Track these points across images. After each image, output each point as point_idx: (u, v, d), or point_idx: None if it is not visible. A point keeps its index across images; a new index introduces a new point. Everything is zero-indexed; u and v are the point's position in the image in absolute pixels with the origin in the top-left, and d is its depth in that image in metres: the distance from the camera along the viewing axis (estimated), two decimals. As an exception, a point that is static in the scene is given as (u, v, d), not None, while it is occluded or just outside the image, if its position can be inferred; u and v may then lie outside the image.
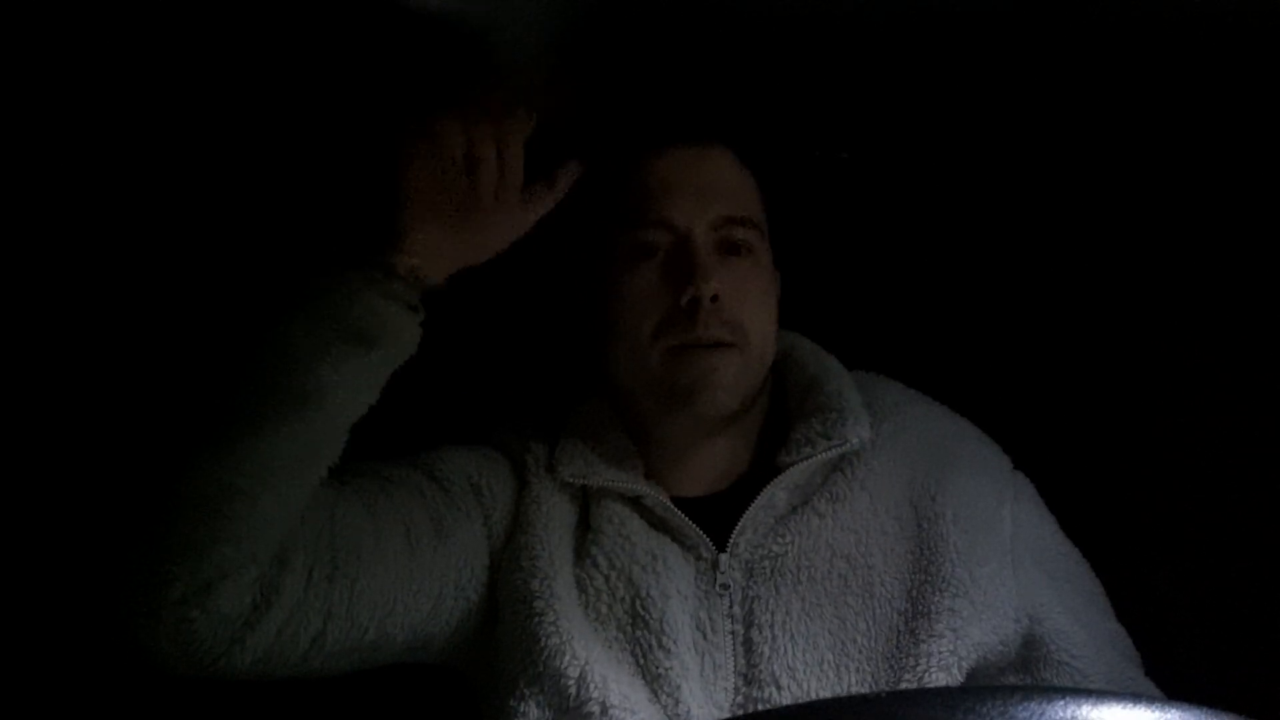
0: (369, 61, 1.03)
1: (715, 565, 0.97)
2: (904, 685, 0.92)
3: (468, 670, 1.01)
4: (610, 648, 0.94)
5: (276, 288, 0.87)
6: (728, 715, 0.92)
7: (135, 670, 0.85)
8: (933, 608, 0.94)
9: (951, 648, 0.93)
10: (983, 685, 0.94)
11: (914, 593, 0.95)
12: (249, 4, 0.93)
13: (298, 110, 1.09)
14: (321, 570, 0.86)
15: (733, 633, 0.95)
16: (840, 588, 0.95)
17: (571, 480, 0.99)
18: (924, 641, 0.93)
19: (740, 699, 0.93)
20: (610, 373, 1.01)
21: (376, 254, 0.86)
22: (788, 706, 0.91)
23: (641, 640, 0.94)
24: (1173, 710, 0.59)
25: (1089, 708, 0.59)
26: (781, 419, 1.03)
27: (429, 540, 0.94)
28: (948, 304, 1.31)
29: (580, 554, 0.97)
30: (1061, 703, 0.59)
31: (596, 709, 0.91)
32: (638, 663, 0.94)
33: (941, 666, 0.92)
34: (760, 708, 0.92)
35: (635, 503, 0.99)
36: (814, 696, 0.92)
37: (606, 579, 0.96)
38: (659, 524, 0.98)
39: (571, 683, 0.92)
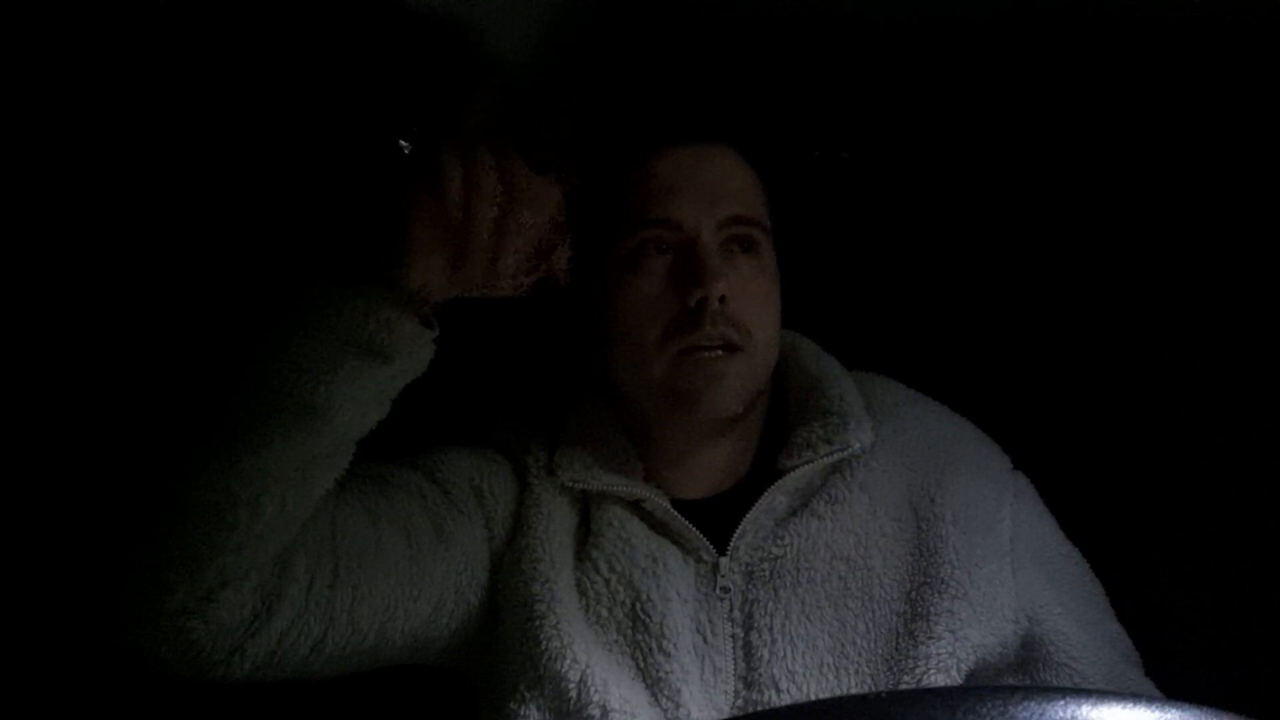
0: (372, 64, 1.03)
1: (716, 568, 0.96)
2: (903, 687, 0.92)
3: (467, 672, 1.01)
4: (611, 651, 0.94)
5: (285, 293, 0.86)
6: (727, 718, 0.92)
7: (134, 671, 0.84)
8: (931, 609, 0.94)
9: (950, 649, 0.93)
10: (982, 685, 0.94)
11: (913, 595, 0.95)
12: (252, 6, 0.93)
13: (302, 114, 1.09)
14: (323, 578, 0.86)
15: (733, 636, 0.95)
16: (840, 590, 0.95)
17: (572, 484, 0.98)
18: (923, 643, 0.93)
19: (740, 702, 0.93)
20: (613, 376, 1.00)
21: (383, 269, 0.83)
22: (788, 706, 0.91)
23: (642, 644, 0.94)
24: (1173, 710, 0.59)
25: (1089, 708, 0.59)
26: (781, 420, 1.03)
27: (430, 544, 0.93)
28: (948, 304, 1.31)
29: (581, 557, 0.97)
30: (1061, 703, 0.59)
31: (597, 712, 0.91)
32: (638, 666, 0.94)
33: (940, 668, 0.92)
34: (761, 709, 0.92)
35: (636, 506, 0.99)
36: (813, 699, 0.92)
37: (607, 582, 0.96)
38: (659, 527, 0.98)
39: (572, 686, 0.92)
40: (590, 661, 0.92)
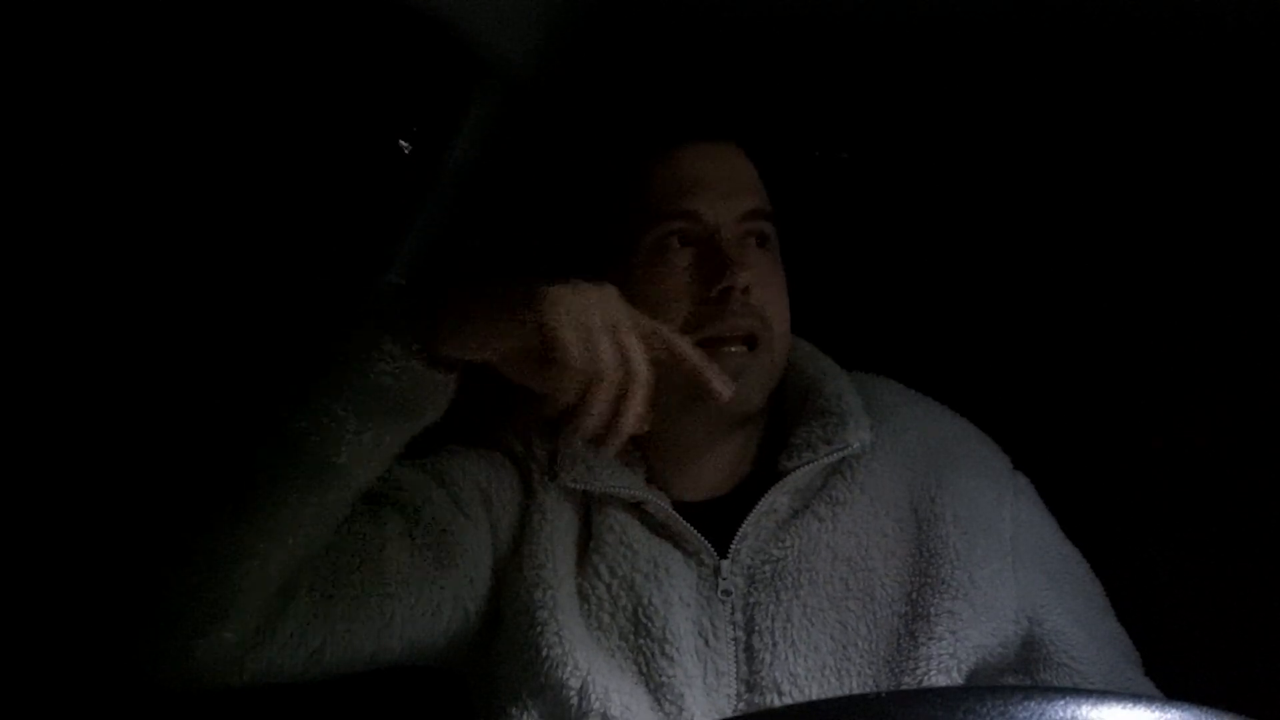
0: (372, 64, 1.03)
1: (717, 571, 0.96)
2: (904, 688, 0.92)
3: (466, 674, 1.01)
4: (613, 657, 0.94)
5: (309, 343, 0.85)
6: (734, 717, 0.92)
7: (133, 676, 0.85)
8: (932, 610, 0.94)
9: (951, 650, 0.93)
10: (982, 685, 0.94)
11: (914, 595, 0.95)
12: (252, 7, 0.93)
13: (302, 114, 1.09)
14: (324, 591, 0.86)
15: (735, 639, 0.95)
16: (841, 591, 0.95)
17: (573, 485, 0.98)
18: (924, 644, 0.93)
19: (742, 705, 0.93)
20: None
21: (418, 334, 0.80)
22: (788, 706, 0.90)
23: (644, 649, 0.94)
24: (1173, 710, 0.59)
25: (1089, 708, 0.59)
26: (780, 422, 1.03)
27: (432, 552, 0.93)
28: (948, 304, 1.31)
29: (582, 563, 0.97)
30: (1061, 703, 0.59)
31: (598, 719, 0.91)
32: (640, 671, 0.94)
33: (941, 669, 0.92)
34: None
35: (637, 509, 0.98)
36: (814, 700, 0.92)
37: (608, 588, 0.96)
38: (660, 530, 0.98)
39: (573, 694, 0.91)
40: (591, 669, 0.92)
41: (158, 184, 1.12)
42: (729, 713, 0.93)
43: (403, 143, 1.12)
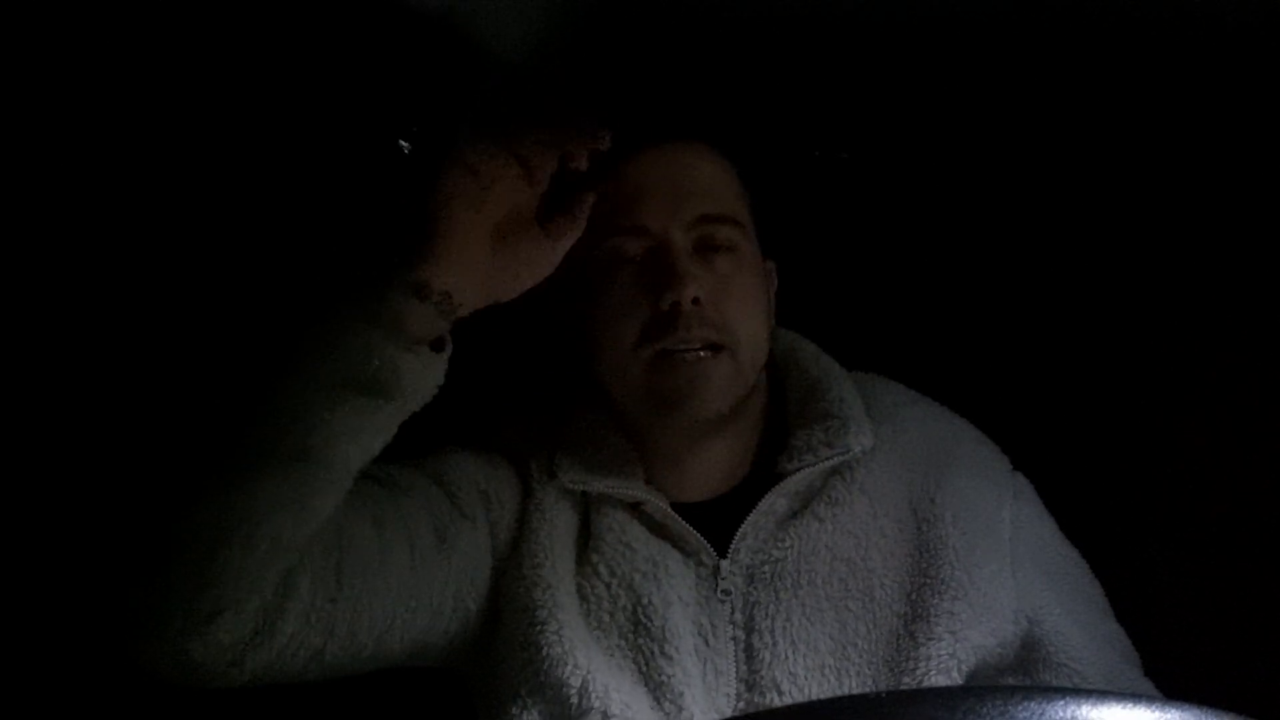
0: (372, 64, 1.02)
1: (716, 571, 0.96)
2: (903, 688, 0.92)
3: (466, 674, 1.01)
4: (612, 656, 0.94)
5: (292, 318, 0.85)
6: (734, 717, 0.92)
7: (133, 674, 0.85)
8: (931, 610, 0.94)
9: (950, 650, 0.93)
10: (982, 685, 0.94)
11: (913, 595, 0.95)
12: (252, 7, 0.93)
13: (302, 114, 1.09)
14: (325, 592, 0.85)
15: (734, 639, 0.95)
16: (840, 592, 0.95)
17: (572, 486, 0.98)
18: (923, 645, 0.93)
19: (742, 704, 0.93)
20: (600, 381, 1.00)
21: (407, 270, 0.83)
22: (788, 706, 0.91)
23: (644, 648, 0.94)
24: (1173, 710, 0.59)
25: (1089, 708, 0.59)
26: (781, 423, 1.03)
27: (433, 552, 0.93)
28: (947, 304, 1.31)
29: (582, 562, 0.97)
30: (1061, 703, 0.59)
31: (598, 718, 0.91)
32: (640, 670, 0.94)
33: (940, 669, 0.92)
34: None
35: (636, 509, 0.98)
36: (814, 700, 0.92)
37: (608, 587, 0.96)
38: (660, 530, 0.98)
39: (573, 692, 0.91)
40: (591, 667, 0.92)
41: (157, 183, 1.12)
42: (728, 712, 0.93)
43: (403, 143, 1.12)
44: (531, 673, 0.93)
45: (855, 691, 0.93)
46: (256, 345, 0.86)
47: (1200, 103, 1.11)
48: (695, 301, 0.93)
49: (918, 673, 0.92)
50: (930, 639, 0.93)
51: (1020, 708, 0.58)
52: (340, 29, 0.97)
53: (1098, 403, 1.25)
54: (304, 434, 0.80)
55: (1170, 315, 1.20)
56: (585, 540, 0.98)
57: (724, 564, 0.96)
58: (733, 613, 0.96)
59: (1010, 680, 0.96)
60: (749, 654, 0.94)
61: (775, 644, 0.94)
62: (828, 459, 0.97)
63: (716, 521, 0.97)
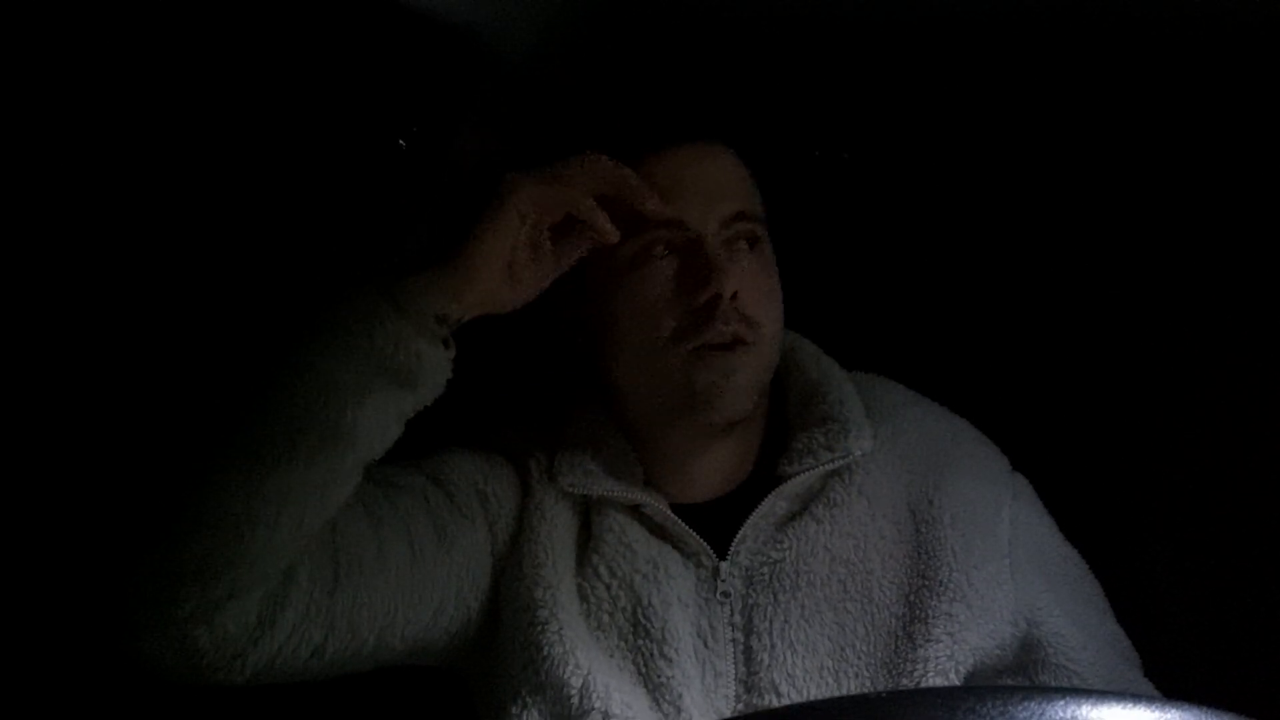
0: (372, 64, 1.02)
1: (716, 573, 0.96)
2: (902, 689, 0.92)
3: (467, 673, 1.01)
4: (612, 656, 0.94)
5: (310, 309, 0.87)
6: (733, 717, 0.92)
7: (134, 673, 0.85)
8: (930, 612, 0.93)
9: (949, 652, 0.93)
10: (982, 686, 0.94)
11: (912, 597, 0.95)
12: (253, 7, 0.93)
13: (302, 114, 1.09)
14: (324, 585, 0.86)
15: (733, 640, 0.95)
16: (839, 594, 0.95)
17: (571, 490, 0.98)
18: (921, 646, 0.93)
19: (740, 706, 0.93)
20: (617, 379, 0.99)
21: (432, 301, 0.87)
22: (788, 706, 0.90)
23: (643, 649, 0.94)
24: (1173, 710, 0.59)
25: (1089, 708, 0.59)
26: (781, 425, 1.03)
27: (432, 550, 0.93)
28: (948, 304, 1.31)
29: (582, 563, 0.97)
30: (1061, 703, 0.59)
31: (598, 718, 0.91)
32: (639, 671, 0.94)
33: (939, 671, 0.92)
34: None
35: (636, 511, 0.98)
36: (813, 700, 0.92)
37: (608, 588, 0.96)
38: (659, 532, 0.98)
39: (574, 692, 0.92)
40: (592, 667, 0.92)
41: (158, 182, 1.12)
42: (727, 712, 0.93)
43: (402, 143, 1.12)
44: (532, 672, 0.93)
45: (853, 692, 0.92)
46: (275, 331, 0.88)
47: (1201, 103, 1.11)
48: (733, 296, 0.93)
49: (916, 674, 0.92)
50: (929, 641, 0.93)
51: (1020, 708, 0.58)
52: (341, 29, 0.98)
53: (1097, 403, 1.25)
54: (336, 415, 0.82)
55: (1170, 315, 1.20)
56: (586, 541, 0.98)
57: (724, 566, 0.96)
58: (732, 614, 0.96)
59: (1009, 681, 0.96)
60: (748, 655, 0.94)
61: (774, 646, 0.94)
62: (828, 463, 0.97)
63: (716, 523, 0.97)
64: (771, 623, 0.94)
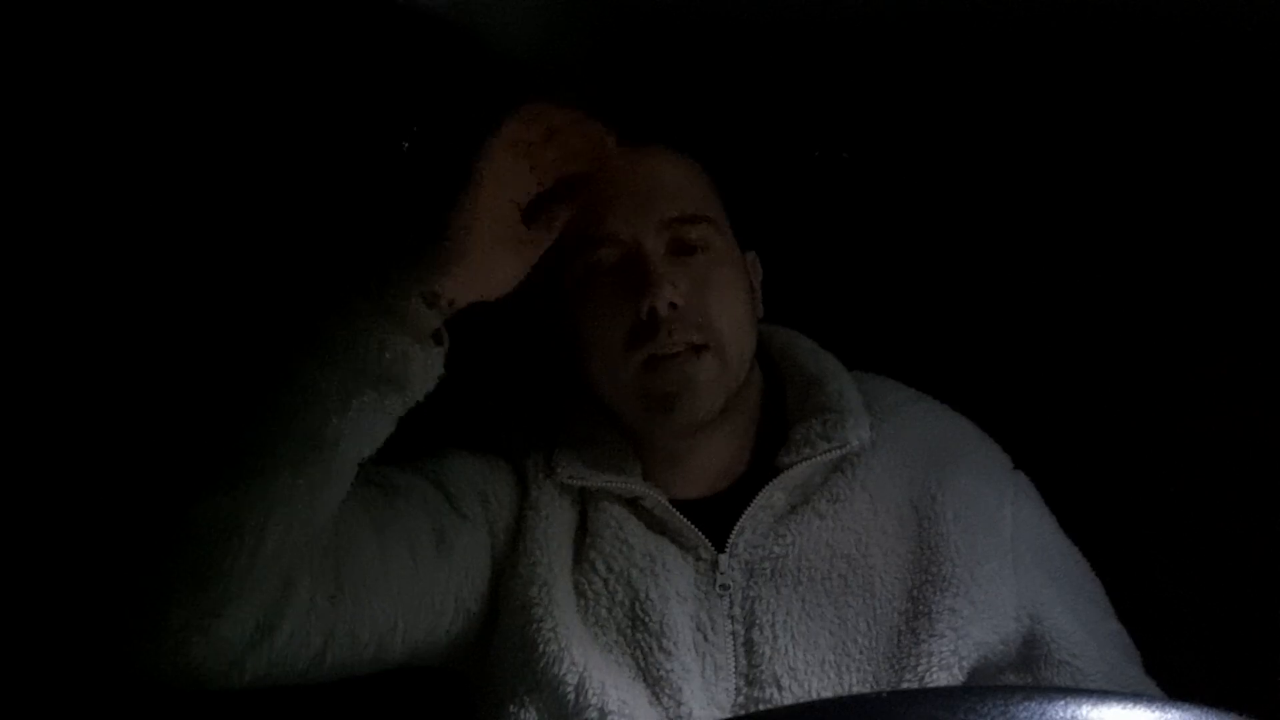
0: (372, 64, 1.03)
1: (715, 566, 0.96)
2: (905, 685, 0.91)
3: (467, 673, 1.01)
4: (610, 652, 0.94)
5: (295, 316, 0.86)
6: (729, 716, 0.92)
7: (132, 678, 0.85)
8: (933, 607, 0.93)
9: (952, 647, 0.93)
10: (983, 685, 0.94)
11: (914, 592, 0.95)
12: (253, 7, 0.93)
13: (302, 114, 1.09)
14: (324, 591, 0.85)
15: (733, 633, 0.95)
16: (841, 588, 0.95)
17: (570, 482, 0.98)
18: (924, 641, 0.93)
19: (741, 699, 0.93)
20: (593, 387, 1.00)
21: (419, 277, 0.86)
22: (788, 706, 0.91)
23: (642, 643, 0.94)
24: (1173, 710, 0.59)
25: (1089, 708, 0.59)
26: (780, 418, 1.03)
27: (432, 554, 0.93)
28: (948, 303, 1.31)
29: (579, 558, 0.97)
30: (1061, 703, 0.59)
31: (595, 715, 0.91)
32: (638, 666, 0.94)
33: (942, 666, 0.92)
34: (761, 708, 0.92)
35: (633, 504, 0.98)
36: (815, 697, 0.92)
37: (605, 583, 0.96)
38: (657, 525, 0.98)
39: (570, 689, 0.92)
40: (588, 664, 0.92)
41: (158, 185, 1.12)
42: (728, 706, 0.93)
43: (404, 143, 1.12)
44: (529, 671, 0.93)
45: (856, 687, 0.92)
46: (260, 339, 0.87)
47: (1201, 103, 1.11)
48: (673, 306, 0.93)
49: (919, 669, 0.92)
50: (932, 636, 0.93)
51: (1020, 708, 0.58)
52: (342, 29, 0.98)
53: (1098, 402, 1.25)
54: (319, 424, 0.81)
55: (1171, 315, 1.20)
56: (583, 537, 0.98)
57: (722, 559, 0.96)
58: (731, 607, 0.96)
59: (1011, 677, 0.96)
60: (749, 649, 0.94)
61: (775, 639, 0.94)
62: (826, 452, 0.97)
63: (715, 517, 0.97)
64: (774, 615, 0.94)
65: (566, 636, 0.93)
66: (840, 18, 1.01)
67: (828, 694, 0.92)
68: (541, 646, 0.93)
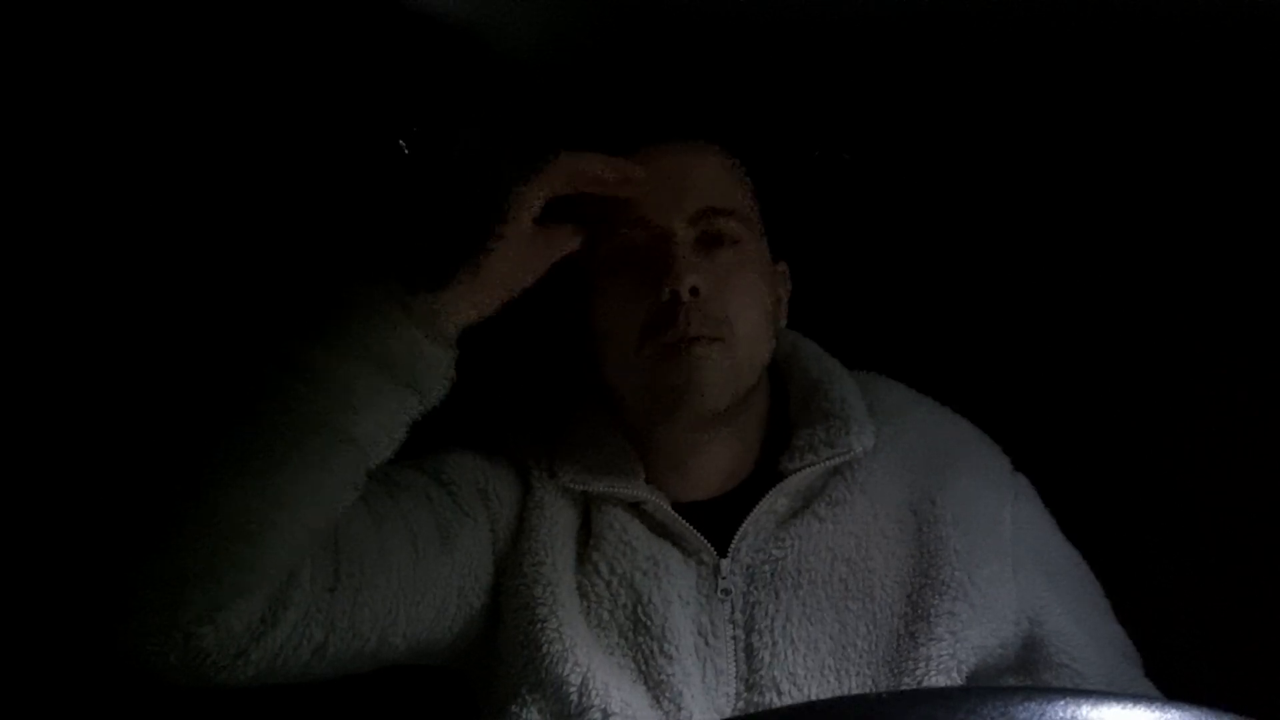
0: (372, 64, 1.03)
1: (717, 570, 0.96)
2: (904, 688, 0.92)
3: (468, 673, 1.01)
4: (612, 654, 0.94)
5: (319, 313, 0.87)
6: (731, 718, 0.92)
7: (134, 675, 0.85)
8: (932, 611, 0.93)
9: (951, 651, 0.93)
10: (983, 686, 0.94)
11: (914, 596, 0.95)
12: (253, 7, 0.93)
13: (302, 114, 1.09)
14: (325, 583, 0.86)
15: (734, 638, 0.95)
16: (841, 592, 0.95)
17: (572, 486, 0.98)
18: (924, 645, 0.93)
19: (741, 704, 0.93)
20: (607, 378, 1.00)
21: (432, 303, 0.89)
22: (789, 706, 0.91)
23: (643, 646, 0.94)
24: (1173, 710, 0.59)
25: (1089, 708, 0.59)
26: (783, 423, 1.03)
27: (434, 550, 0.93)
28: (949, 305, 1.31)
29: (582, 560, 0.97)
30: (1061, 703, 0.59)
31: (598, 715, 0.91)
32: (639, 669, 0.94)
33: (941, 670, 0.92)
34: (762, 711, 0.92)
35: (636, 508, 0.98)
36: (813, 700, 0.92)
37: (608, 585, 0.96)
38: (660, 529, 0.98)
39: (573, 689, 0.92)
40: (591, 665, 0.92)
41: (158, 183, 1.12)
42: (728, 710, 0.93)
43: (402, 143, 1.12)
44: (532, 670, 0.93)
45: (855, 691, 0.92)
46: (274, 332, 0.88)
47: (1202, 103, 1.11)
48: (694, 292, 0.93)
49: (918, 673, 0.92)
50: (931, 639, 0.93)
51: (1020, 708, 0.58)
52: (342, 29, 0.98)
53: (1099, 404, 1.25)
54: (345, 423, 0.83)
55: (1172, 317, 1.20)
56: (586, 539, 0.98)
57: (724, 563, 0.96)
58: (733, 612, 0.96)
59: (1010, 680, 0.96)
60: (749, 653, 0.94)
61: (775, 644, 0.94)
62: (829, 458, 0.97)
63: (717, 521, 0.97)
64: (773, 620, 0.94)
65: (570, 636, 0.93)
66: (840, 18, 1.01)
67: (826, 698, 0.92)
68: (545, 646, 0.93)
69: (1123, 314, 1.24)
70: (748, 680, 0.94)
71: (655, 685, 0.93)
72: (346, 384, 0.84)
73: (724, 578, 0.96)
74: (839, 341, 1.08)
